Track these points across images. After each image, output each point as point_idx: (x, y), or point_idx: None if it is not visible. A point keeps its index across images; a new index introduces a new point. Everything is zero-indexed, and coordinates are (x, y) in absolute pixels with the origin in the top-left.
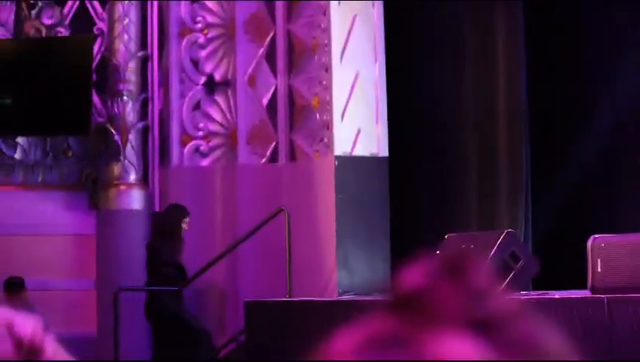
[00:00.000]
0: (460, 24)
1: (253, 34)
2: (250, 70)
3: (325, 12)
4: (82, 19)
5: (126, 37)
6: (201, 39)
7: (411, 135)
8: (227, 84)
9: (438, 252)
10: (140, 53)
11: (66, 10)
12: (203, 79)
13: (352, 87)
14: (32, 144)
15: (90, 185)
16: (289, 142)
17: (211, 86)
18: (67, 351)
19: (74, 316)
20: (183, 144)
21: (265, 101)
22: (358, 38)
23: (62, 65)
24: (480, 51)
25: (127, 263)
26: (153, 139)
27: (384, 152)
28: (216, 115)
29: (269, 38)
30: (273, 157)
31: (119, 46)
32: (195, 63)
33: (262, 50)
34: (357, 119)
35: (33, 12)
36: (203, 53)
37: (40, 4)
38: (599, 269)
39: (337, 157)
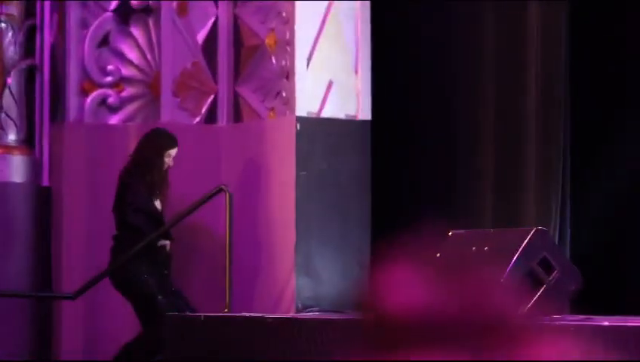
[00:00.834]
0: None
1: None
2: None
3: None
4: None
5: None
6: None
7: (405, 92)
8: (148, 10)
9: (437, 255)
10: None
11: None
12: (114, 3)
13: (324, 21)
14: None
15: None
16: (233, 96)
17: (125, 12)
18: None
19: None
20: (85, 93)
21: (201, 37)
22: None
23: None
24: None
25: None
26: (42, 85)
27: (365, 114)
28: (131, 53)
29: None
30: (210, 116)
31: None
32: None
33: None
34: (328, 66)
35: None
36: None
37: None
38: None
39: (300, 119)
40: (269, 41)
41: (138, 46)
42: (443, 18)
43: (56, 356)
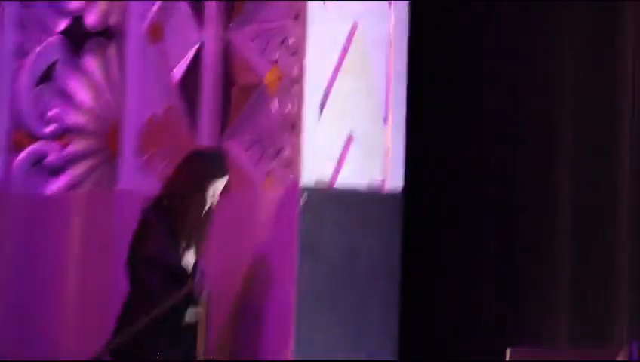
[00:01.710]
0: None
1: None
2: (154, 10)
3: None
4: None
5: None
6: None
7: (451, 151)
8: (108, 34)
9: None
10: None
11: None
12: (63, 23)
13: (344, 50)
14: None
15: None
16: None
17: (77, 36)
18: None
19: None
20: (15, 148)
21: (178, 72)
22: None
23: None
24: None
25: None
26: None
27: (396, 181)
28: (82, 93)
29: None
30: None
31: None
32: None
33: None
34: (349, 114)
35: None
36: None
37: None
38: None
39: (307, 189)
40: (269, 78)
41: (92, 83)
42: (513, 52)
43: None
